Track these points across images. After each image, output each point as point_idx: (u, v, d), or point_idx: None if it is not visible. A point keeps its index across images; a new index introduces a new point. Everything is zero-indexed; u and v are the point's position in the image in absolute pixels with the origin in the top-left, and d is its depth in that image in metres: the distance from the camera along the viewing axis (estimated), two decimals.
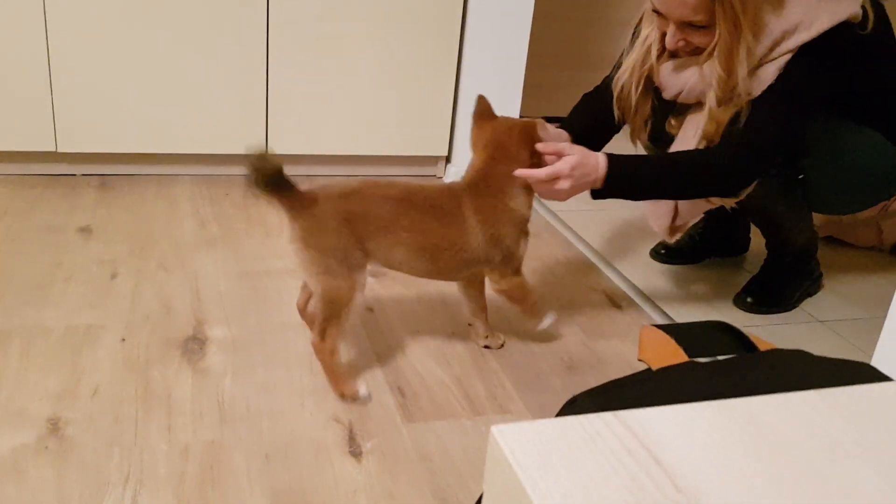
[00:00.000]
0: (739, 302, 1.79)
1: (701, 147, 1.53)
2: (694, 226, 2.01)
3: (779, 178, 1.61)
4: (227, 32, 2.11)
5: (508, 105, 2.44)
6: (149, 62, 2.09)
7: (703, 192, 1.59)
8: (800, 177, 1.62)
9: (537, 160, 1.41)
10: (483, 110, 1.46)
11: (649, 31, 1.56)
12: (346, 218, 1.32)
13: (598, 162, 1.42)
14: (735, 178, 1.52)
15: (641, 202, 1.72)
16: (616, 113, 1.64)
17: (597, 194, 1.46)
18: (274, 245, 1.90)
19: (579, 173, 1.40)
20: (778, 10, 1.43)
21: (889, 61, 1.57)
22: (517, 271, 1.48)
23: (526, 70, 2.45)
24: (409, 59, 2.28)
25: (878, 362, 1.15)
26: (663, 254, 2.00)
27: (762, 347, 0.72)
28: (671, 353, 0.64)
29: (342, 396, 1.35)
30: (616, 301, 1.80)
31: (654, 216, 1.73)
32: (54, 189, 2.10)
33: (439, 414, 1.34)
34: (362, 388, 1.36)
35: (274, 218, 2.05)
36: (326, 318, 1.32)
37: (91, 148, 2.14)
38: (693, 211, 1.70)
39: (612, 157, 1.43)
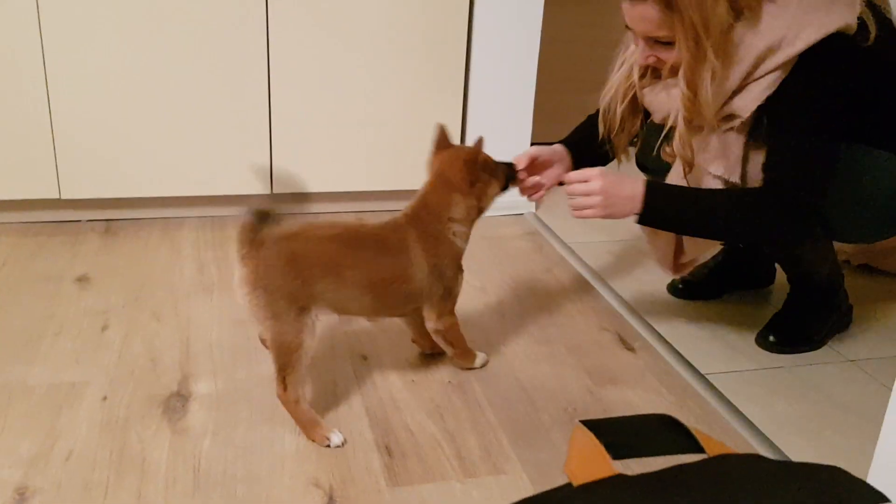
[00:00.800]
0: (762, 341, 1.67)
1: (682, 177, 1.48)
2: (713, 258, 1.91)
3: None
4: (228, 73, 2.08)
5: (520, 132, 2.37)
6: (151, 105, 2.06)
7: (752, 232, 1.49)
8: None
9: (482, 186, 1.45)
10: (440, 139, 1.48)
11: (630, 49, 1.51)
12: (290, 259, 1.30)
13: (633, 183, 1.42)
14: (787, 225, 1.44)
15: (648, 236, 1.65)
16: (601, 129, 1.60)
17: (639, 218, 1.46)
18: None
19: (612, 188, 1.42)
20: (752, 26, 1.34)
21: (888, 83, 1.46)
22: (452, 311, 1.48)
23: (536, 96, 2.38)
24: (413, 91, 2.22)
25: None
26: (681, 289, 1.89)
27: (710, 450, 0.63)
28: (599, 463, 0.55)
29: (316, 441, 1.31)
30: (628, 343, 1.70)
31: (656, 251, 1.64)
32: (57, 236, 2.07)
33: (427, 476, 1.26)
34: (335, 437, 1.31)
35: None
36: (281, 367, 1.30)
37: (95, 194, 2.12)
38: (700, 247, 1.60)
39: (649, 183, 1.44)
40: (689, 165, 1.46)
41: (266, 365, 1.51)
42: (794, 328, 1.67)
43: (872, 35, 1.34)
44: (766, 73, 1.36)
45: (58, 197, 2.09)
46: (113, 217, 2.20)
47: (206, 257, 1.99)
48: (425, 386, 1.50)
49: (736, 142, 1.44)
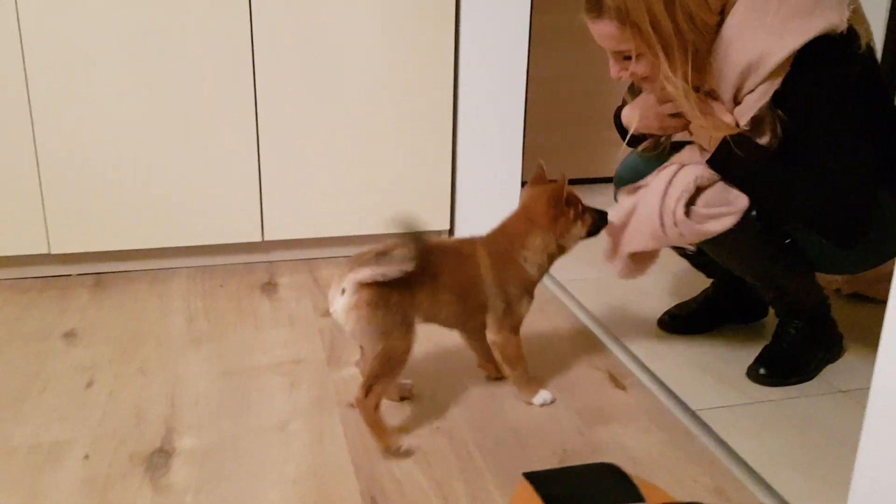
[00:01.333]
0: (753, 374, 1.65)
1: None
2: (703, 292, 1.90)
3: (766, 240, 1.51)
4: (215, 123, 2.09)
5: (510, 171, 2.38)
6: (139, 157, 2.08)
7: (814, 207, 1.44)
8: (787, 241, 1.51)
9: (565, 223, 1.52)
10: (536, 176, 1.57)
11: None
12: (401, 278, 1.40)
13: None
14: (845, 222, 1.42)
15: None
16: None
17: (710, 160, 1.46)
18: (262, 338, 1.83)
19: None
20: (733, 35, 1.37)
21: (878, 92, 1.46)
22: (514, 329, 1.55)
23: (525, 134, 2.39)
24: (402, 134, 2.24)
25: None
26: (671, 323, 1.88)
27: (651, 499, 0.61)
28: None
29: (386, 450, 1.41)
30: (619, 381, 1.68)
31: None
32: (47, 292, 2.08)
33: None
34: (405, 443, 1.42)
35: (266, 309, 1.99)
36: (376, 375, 1.40)
37: (85, 247, 2.12)
38: (635, 240, 1.58)
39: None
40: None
41: (254, 418, 1.51)
42: (785, 360, 1.66)
43: (863, 43, 1.35)
44: (757, 86, 1.37)
45: (47, 252, 2.10)
46: (103, 270, 2.20)
47: (195, 308, 1.99)
48: (414, 432, 1.48)
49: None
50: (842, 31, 1.32)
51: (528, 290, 1.55)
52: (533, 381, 1.60)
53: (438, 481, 1.34)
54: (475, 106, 2.29)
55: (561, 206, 1.51)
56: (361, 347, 1.49)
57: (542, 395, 1.59)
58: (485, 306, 1.52)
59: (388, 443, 1.40)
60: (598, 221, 1.57)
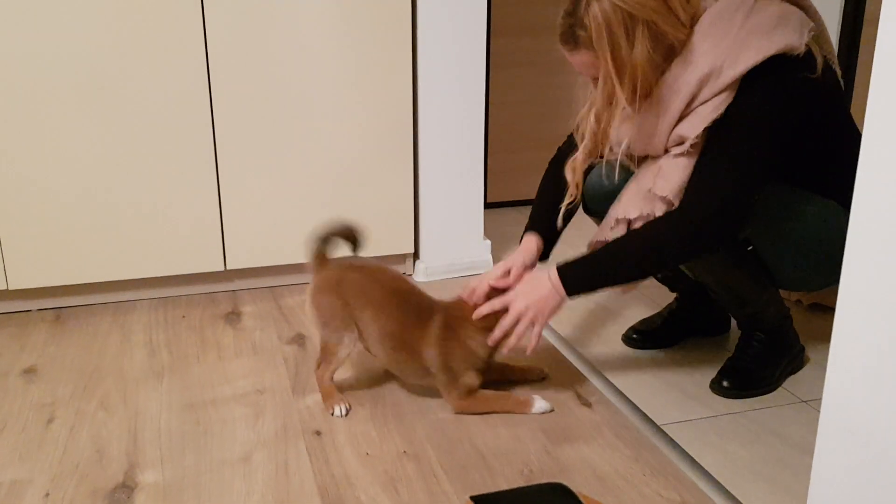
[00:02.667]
0: (716, 387, 1.67)
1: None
2: (667, 306, 1.92)
3: (729, 249, 1.53)
4: (173, 150, 2.08)
5: (473, 193, 2.39)
6: (97, 189, 2.06)
7: (666, 261, 1.52)
8: (749, 248, 1.54)
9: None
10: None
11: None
12: (338, 283, 1.63)
13: (548, 279, 1.51)
14: (694, 243, 1.45)
15: None
16: (572, 177, 1.63)
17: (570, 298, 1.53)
18: (225, 369, 1.82)
19: (531, 295, 1.52)
20: (687, 60, 1.40)
21: (838, 113, 1.50)
22: (465, 395, 1.60)
23: (487, 156, 2.40)
24: (364, 158, 2.24)
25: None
26: (636, 338, 1.89)
27: None
28: None
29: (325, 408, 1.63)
30: (585, 398, 1.69)
31: None
32: (6, 328, 2.04)
33: None
34: (337, 410, 1.61)
35: (229, 338, 1.98)
36: (321, 359, 1.65)
37: (44, 282, 2.09)
38: None
39: (560, 267, 1.52)
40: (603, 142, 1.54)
41: (217, 450, 1.50)
42: (747, 372, 1.67)
43: (819, 67, 1.38)
44: (713, 96, 1.40)
45: (5, 288, 2.06)
46: (63, 305, 2.17)
47: (157, 340, 1.97)
48: (379, 458, 1.48)
49: (684, 167, 1.45)
50: (798, 53, 1.35)
51: (474, 364, 1.59)
52: (520, 402, 1.64)
53: None
54: (436, 130, 2.30)
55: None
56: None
57: (539, 405, 1.62)
58: (427, 371, 1.60)
59: (326, 404, 1.63)
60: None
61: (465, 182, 2.38)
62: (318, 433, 1.56)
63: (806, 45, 1.36)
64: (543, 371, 1.76)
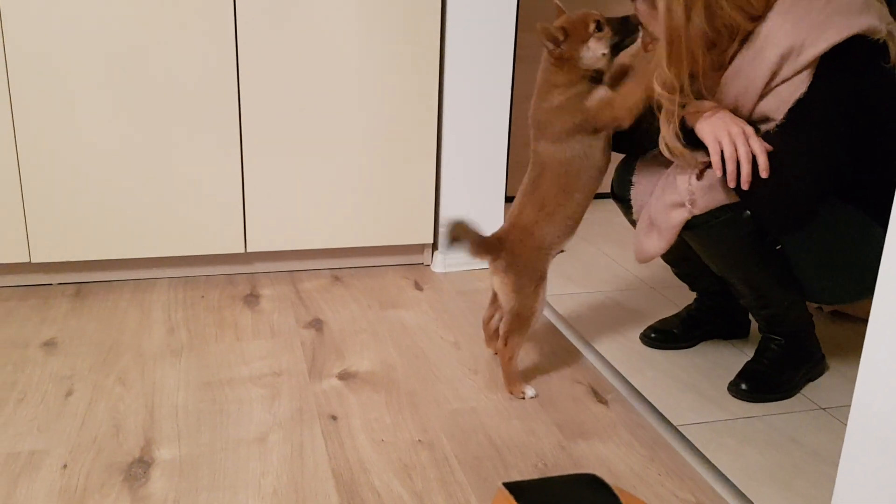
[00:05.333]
0: (734, 389, 1.66)
1: None
2: (686, 308, 1.91)
3: (757, 244, 1.52)
4: (199, 130, 2.09)
5: (494, 186, 2.38)
6: (121, 166, 2.06)
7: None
8: (777, 247, 1.53)
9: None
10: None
11: None
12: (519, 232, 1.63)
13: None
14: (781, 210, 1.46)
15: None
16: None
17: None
18: (242, 349, 1.82)
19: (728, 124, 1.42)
20: (781, 19, 1.38)
21: (887, 118, 1.47)
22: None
23: (510, 150, 2.40)
24: (387, 147, 2.24)
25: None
26: (654, 338, 1.88)
27: None
28: None
29: (511, 393, 1.66)
30: (601, 395, 1.68)
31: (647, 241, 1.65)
32: (27, 300, 2.06)
33: None
34: (529, 391, 1.66)
35: (247, 320, 1.98)
36: (509, 331, 1.64)
37: (66, 257, 2.10)
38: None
39: None
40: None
41: (233, 429, 1.50)
42: (766, 377, 1.66)
43: (893, 59, 1.36)
44: (794, 74, 1.38)
45: (28, 261, 2.08)
46: (84, 280, 2.19)
47: (176, 318, 1.98)
48: (394, 445, 1.48)
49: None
50: (879, 38, 1.34)
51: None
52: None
53: (419, 494, 1.34)
54: (460, 122, 2.29)
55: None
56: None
57: (530, 390, 1.67)
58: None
59: (513, 389, 1.66)
60: (619, 29, 1.54)
61: (487, 175, 2.37)
62: (334, 418, 1.56)
63: (884, 33, 1.34)
64: None
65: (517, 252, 1.62)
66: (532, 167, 1.64)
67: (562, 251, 1.68)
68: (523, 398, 1.65)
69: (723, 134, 1.40)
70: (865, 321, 1.85)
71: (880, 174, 1.47)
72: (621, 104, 1.53)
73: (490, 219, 2.40)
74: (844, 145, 1.42)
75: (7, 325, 1.92)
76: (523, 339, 1.65)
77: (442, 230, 1.67)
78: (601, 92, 1.55)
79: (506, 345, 1.64)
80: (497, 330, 1.75)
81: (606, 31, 1.53)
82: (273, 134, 2.14)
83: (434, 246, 2.41)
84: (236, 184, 2.16)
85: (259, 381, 1.68)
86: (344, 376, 1.72)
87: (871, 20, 1.33)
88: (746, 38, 1.42)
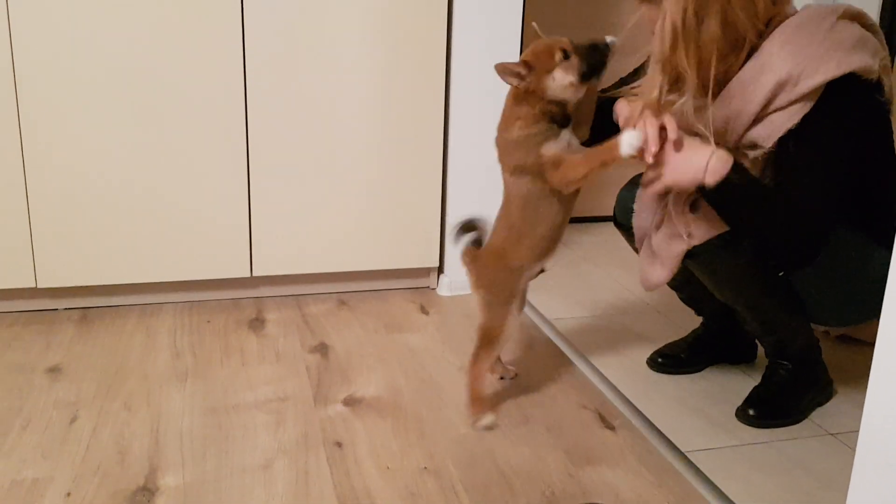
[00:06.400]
0: (742, 415, 1.65)
1: None
2: (693, 332, 1.91)
3: (760, 272, 1.52)
4: (205, 155, 2.10)
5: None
6: (128, 191, 2.07)
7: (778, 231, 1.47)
8: (781, 273, 1.52)
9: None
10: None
11: None
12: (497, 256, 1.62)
13: (706, 158, 1.37)
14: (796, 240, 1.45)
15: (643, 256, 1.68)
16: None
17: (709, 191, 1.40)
18: (248, 375, 1.82)
19: (682, 175, 1.39)
20: (778, 49, 1.38)
21: (886, 146, 1.48)
22: (554, 167, 1.51)
23: None
24: (393, 171, 2.25)
25: None
26: (661, 363, 1.87)
27: None
28: None
29: (470, 414, 1.63)
30: (608, 421, 1.67)
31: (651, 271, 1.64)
32: (32, 326, 2.06)
33: None
34: (487, 419, 1.61)
35: (252, 345, 1.98)
36: (478, 350, 1.63)
37: (71, 282, 2.11)
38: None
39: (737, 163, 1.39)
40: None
41: (237, 456, 1.49)
42: (774, 402, 1.65)
43: (886, 93, 1.38)
44: (789, 104, 1.38)
45: (34, 286, 2.08)
46: (89, 305, 2.19)
47: (182, 344, 1.97)
48: (400, 472, 1.47)
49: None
50: (872, 78, 1.35)
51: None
52: (608, 147, 1.45)
53: None
54: (465, 146, 2.30)
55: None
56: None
57: (487, 419, 1.63)
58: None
59: (472, 411, 1.63)
60: (588, 55, 1.48)
61: (493, 199, 2.36)
62: (339, 444, 1.55)
63: (878, 70, 1.36)
64: (513, 371, 1.85)
65: (489, 269, 1.62)
66: (504, 189, 1.64)
67: (542, 271, 1.66)
68: (476, 421, 1.62)
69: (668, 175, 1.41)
70: (873, 345, 1.85)
71: (881, 197, 1.47)
72: (565, 173, 1.49)
73: None
74: (839, 176, 1.42)
75: (12, 350, 1.92)
76: (490, 358, 1.64)
77: (456, 223, 1.69)
78: (559, 145, 1.51)
79: (472, 363, 1.63)
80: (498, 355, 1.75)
81: (573, 59, 1.48)
82: (279, 158, 2.15)
83: (440, 269, 2.41)
84: (243, 209, 2.17)
85: (264, 407, 1.68)
86: (349, 402, 1.71)
87: (866, 59, 1.35)
88: (750, 54, 1.42)
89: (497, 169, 2.33)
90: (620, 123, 1.49)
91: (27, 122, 1.97)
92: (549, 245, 1.61)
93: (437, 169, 2.28)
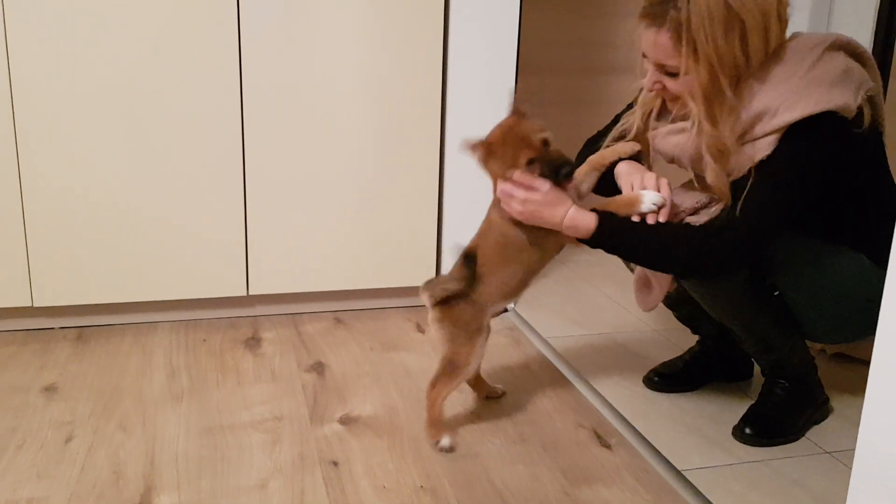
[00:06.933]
0: (739, 434, 1.65)
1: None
2: (689, 350, 1.91)
3: (756, 293, 1.53)
4: (201, 174, 2.10)
5: None
6: (125, 211, 2.08)
7: (673, 265, 1.54)
8: (776, 293, 1.53)
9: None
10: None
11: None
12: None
13: (572, 203, 1.50)
14: (703, 259, 1.46)
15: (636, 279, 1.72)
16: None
17: (590, 242, 1.51)
18: (244, 394, 1.81)
19: (542, 205, 1.49)
20: (761, 80, 1.40)
21: (877, 171, 1.50)
22: None
23: None
24: (389, 189, 2.25)
25: None
26: (657, 381, 1.87)
27: None
28: None
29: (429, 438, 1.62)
30: (605, 439, 1.67)
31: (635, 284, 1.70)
32: (29, 345, 2.05)
33: None
34: (445, 441, 1.59)
35: (248, 364, 1.98)
36: (440, 375, 1.61)
37: (68, 301, 2.11)
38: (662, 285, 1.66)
39: (599, 211, 1.50)
40: (726, 198, 1.47)
41: (233, 476, 1.49)
42: (771, 420, 1.65)
43: (866, 125, 1.39)
44: (762, 136, 1.40)
45: (30, 305, 2.08)
46: (86, 324, 2.18)
47: (177, 363, 1.97)
48: (396, 492, 1.46)
49: None
50: (848, 115, 1.36)
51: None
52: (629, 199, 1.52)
53: None
54: (462, 166, 2.30)
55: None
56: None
57: (445, 440, 1.61)
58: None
59: (431, 434, 1.61)
60: (550, 173, 1.51)
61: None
62: (335, 463, 1.55)
63: (858, 106, 1.37)
64: (500, 390, 1.84)
65: (454, 301, 1.60)
66: (485, 216, 1.64)
67: (506, 310, 1.67)
68: (436, 443, 1.60)
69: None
70: (868, 364, 1.86)
71: (874, 220, 1.49)
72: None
73: None
74: (797, 208, 1.43)
75: (8, 369, 1.91)
76: (451, 388, 1.61)
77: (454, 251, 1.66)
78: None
79: (432, 388, 1.60)
80: (479, 375, 1.78)
81: (536, 168, 1.50)
82: (275, 177, 2.16)
83: None
84: (239, 227, 2.17)
85: (260, 426, 1.67)
86: (346, 421, 1.71)
87: (846, 95, 1.36)
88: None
89: (492, 186, 2.34)
90: (623, 182, 1.54)
91: (24, 141, 1.98)
92: (519, 287, 1.62)
93: (433, 188, 2.29)
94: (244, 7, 2.03)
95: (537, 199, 1.49)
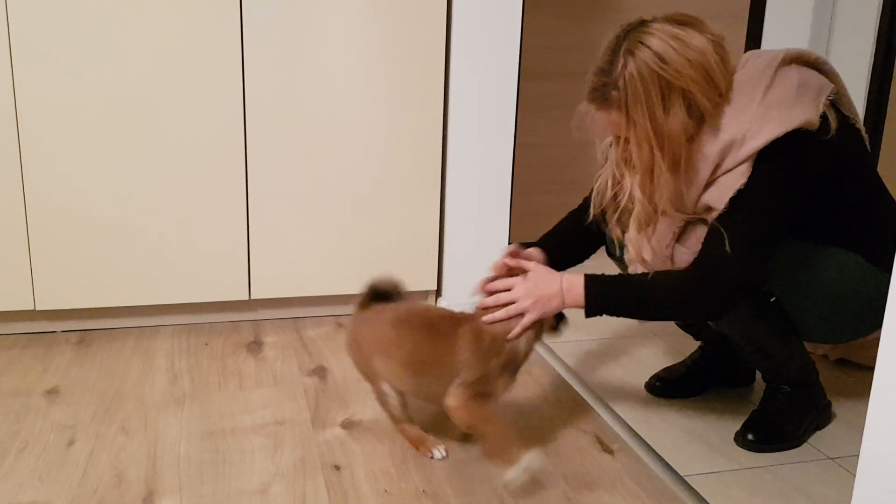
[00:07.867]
0: (741, 440, 1.65)
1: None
2: (691, 356, 1.91)
3: (751, 301, 1.53)
4: (204, 178, 2.11)
5: (497, 234, 2.39)
6: (127, 214, 2.08)
7: (679, 313, 1.60)
8: (772, 300, 1.53)
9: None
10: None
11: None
12: (355, 339, 1.63)
13: (559, 282, 1.51)
14: (706, 300, 1.46)
15: None
16: (593, 213, 1.65)
17: (587, 313, 1.54)
18: (246, 398, 1.81)
19: (537, 297, 1.50)
20: (715, 127, 1.41)
21: (860, 170, 1.50)
22: (475, 397, 1.49)
23: (513, 197, 2.41)
24: (391, 194, 2.26)
25: None
26: (659, 386, 1.87)
27: None
28: None
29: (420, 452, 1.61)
30: (607, 445, 1.67)
31: None
32: (31, 348, 2.05)
33: None
34: (436, 452, 1.59)
35: (250, 368, 1.98)
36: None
37: (70, 304, 2.11)
38: None
39: (588, 277, 1.51)
40: (638, 260, 1.54)
41: (234, 480, 1.48)
42: (773, 426, 1.65)
43: (833, 130, 1.39)
44: (736, 166, 1.40)
45: (32, 308, 2.08)
46: (88, 328, 2.19)
47: (179, 367, 1.97)
48: (398, 497, 1.46)
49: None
50: (813, 128, 1.37)
51: (510, 371, 1.53)
52: (511, 452, 1.46)
53: None
54: (463, 169, 2.31)
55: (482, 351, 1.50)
56: None
57: (528, 458, 1.44)
58: (449, 381, 1.50)
59: (420, 448, 1.60)
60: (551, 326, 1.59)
61: (491, 222, 2.38)
62: (337, 468, 1.55)
63: (821, 115, 1.38)
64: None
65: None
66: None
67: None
68: (432, 457, 1.59)
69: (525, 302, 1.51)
70: (871, 369, 1.86)
71: (865, 219, 1.50)
72: (464, 415, 1.49)
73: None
74: (782, 229, 1.44)
75: (10, 373, 1.91)
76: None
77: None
78: (497, 384, 1.52)
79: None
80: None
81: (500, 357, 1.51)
82: (278, 181, 2.16)
83: (438, 292, 2.42)
84: (241, 231, 2.17)
85: (262, 431, 1.67)
86: (347, 425, 1.71)
87: (807, 112, 1.37)
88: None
89: (494, 192, 2.35)
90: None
91: (27, 145, 1.98)
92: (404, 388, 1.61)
93: (434, 192, 2.29)
94: (247, 15, 2.03)
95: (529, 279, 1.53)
